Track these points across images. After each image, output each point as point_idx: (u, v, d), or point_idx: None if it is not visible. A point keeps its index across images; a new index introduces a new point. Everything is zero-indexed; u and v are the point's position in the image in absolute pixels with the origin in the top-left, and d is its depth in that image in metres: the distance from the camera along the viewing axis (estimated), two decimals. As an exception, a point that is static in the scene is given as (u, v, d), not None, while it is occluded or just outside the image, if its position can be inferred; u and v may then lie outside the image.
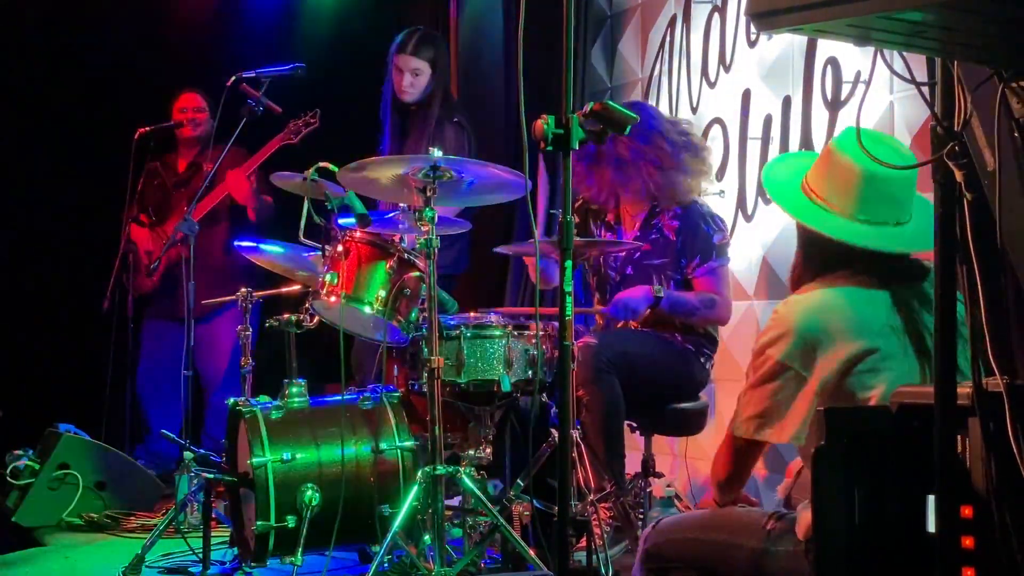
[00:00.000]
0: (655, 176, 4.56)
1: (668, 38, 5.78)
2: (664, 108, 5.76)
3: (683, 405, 4.57)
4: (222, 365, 6.39)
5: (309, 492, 3.86)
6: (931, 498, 2.14)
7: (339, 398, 4.04)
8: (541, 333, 4.06)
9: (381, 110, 5.63)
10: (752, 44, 5.19)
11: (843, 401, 2.61)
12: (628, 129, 2.91)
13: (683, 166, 4.61)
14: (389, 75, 5.54)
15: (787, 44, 4.96)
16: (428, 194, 3.79)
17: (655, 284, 4.52)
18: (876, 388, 2.58)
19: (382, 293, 4.06)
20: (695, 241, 4.56)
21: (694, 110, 5.58)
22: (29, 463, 5.28)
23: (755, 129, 5.13)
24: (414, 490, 3.68)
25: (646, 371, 4.37)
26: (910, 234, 2.76)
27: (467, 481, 3.75)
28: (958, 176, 2.06)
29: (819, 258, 2.81)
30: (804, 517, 2.63)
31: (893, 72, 2.11)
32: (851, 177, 2.73)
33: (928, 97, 2.13)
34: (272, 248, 4.73)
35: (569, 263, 2.78)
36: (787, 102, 4.95)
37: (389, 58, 5.52)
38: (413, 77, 5.45)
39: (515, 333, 4.08)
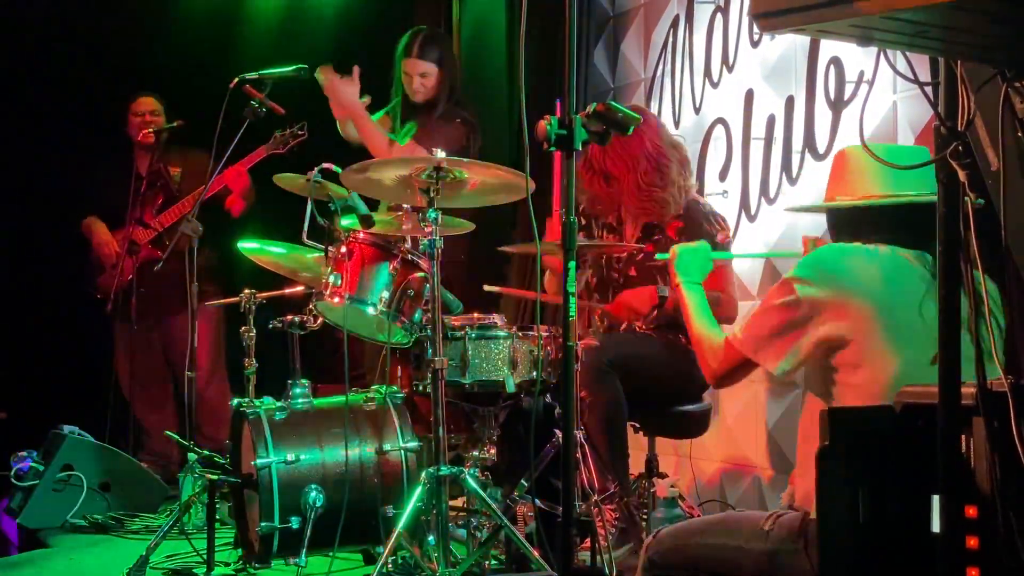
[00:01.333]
0: (649, 193, 4.58)
1: (671, 38, 5.78)
2: (667, 108, 5.77)
3: (686, 407, 4.56)
4: (201, 361, 6.40)
5: (313, 493, 3.87)
6: (935, 498, 2.14)
7: (343, 399, 4.04)
8: (545, 334, 4.05)
9: (392, 112, 5.64)
10: (755, 44, 5.19)
11: (854, 362, 2.65)
12: (631, 130, 2.91)
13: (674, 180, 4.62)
14: (397, 75, 5.56)
15: (790, 44, 4.96)
16: (432, 195, 3.79)
17: (659, 284, 4.51)
18: (889, 356, 2.61)
19: (385, 294, 4.06)
20: (698, 239, 4.54)
21: (697, 110, 5.58)
22: (33, 465, 5.29)
23: (758, 129, 5.13)
24: (418, 491, 3.68)
25: (648, 373, 4.36)
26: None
27: (471, 482, 3.75)
28: (962, 176, 2.06)
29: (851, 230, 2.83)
30: (801, 484, 2.65)
31: (896, 72, 2.12)
32: (867, 164, 2.78)
33: (931, 97, 2.12)
34: (275, 249, 4.73)
35: (573, 264, 2.78)
36: (790, 102, 4.95)
37: (396, 61, 5.54)
38: (422, 79, 5.49)
39: (519, 334, 4.08)
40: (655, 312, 4.44)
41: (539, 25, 4.83)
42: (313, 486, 3.89)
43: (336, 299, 4.06)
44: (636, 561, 3.07)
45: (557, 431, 3.94)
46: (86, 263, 6.46)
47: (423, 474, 3.71)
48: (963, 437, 2.12)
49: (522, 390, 4.06)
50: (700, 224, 4.56)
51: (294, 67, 5.37)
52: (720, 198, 5.25)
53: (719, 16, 5.42)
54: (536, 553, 3.63)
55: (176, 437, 5.16)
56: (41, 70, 6.89)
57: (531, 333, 4.10)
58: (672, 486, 4.73)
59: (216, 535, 4.08)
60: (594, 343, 4.27)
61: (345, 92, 5.38)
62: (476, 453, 4.13)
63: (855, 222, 2.83)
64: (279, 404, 4.07)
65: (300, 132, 5.77)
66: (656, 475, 4.47)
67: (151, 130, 6.24)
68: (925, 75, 2.15)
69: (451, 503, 3.85)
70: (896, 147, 2.89)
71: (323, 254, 4.18)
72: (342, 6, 7.18)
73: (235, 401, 4.16)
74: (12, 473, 5.28)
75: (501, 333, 4.07)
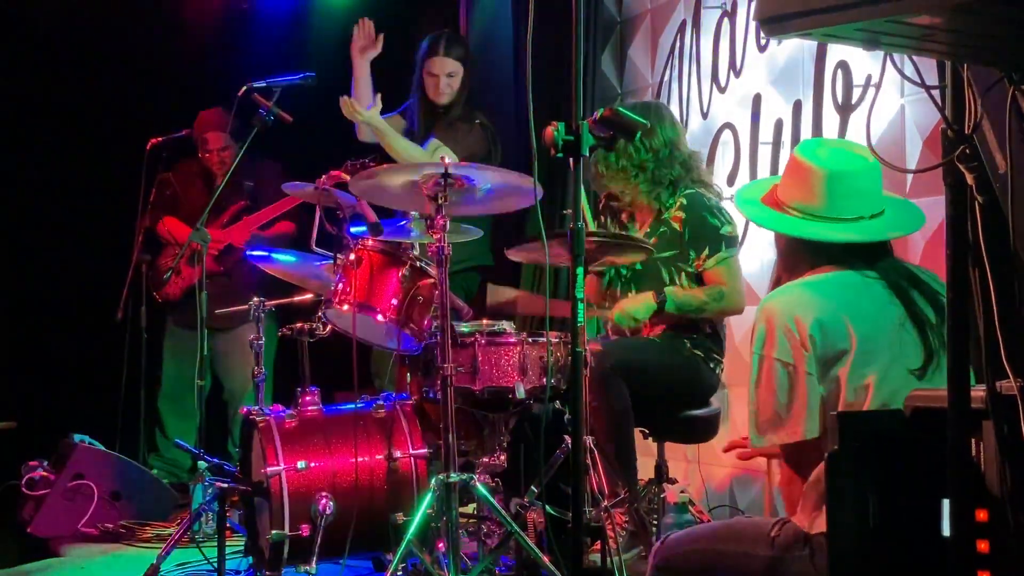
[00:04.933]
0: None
1: (678, 43, 5.79)
2: (675, 113, 5.75)
3: (694, 412, 4.53)
4: (248, 375, 6.39)
5: (323, 500, 3.87)
6: (945, 501, 2.13)
7: (353, 406, 4.04)
8: (555, 340, 4.05)
9: (408, 119, 5.61)
10: (762, 49, 5.19)
11: (837, 389, 2.64)
12: (638, 135, 2.91)
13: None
14: (418, 82, 5.51)
15: (797, 48, 4.96)
16: (440, 202, 3.79)
17: (665, 277, 4.49)
18: (869, 376, 2.61)
19: (395, 301, 4.06)
20: (703, 233, 4.51)
21: (705, 115, 5.58)
22: (44, 474, 5.30)
23: (766, 134, 5.13)
24: (428, 498, 3.68)
25: (652, 379, 4.34)
26: (886, 222, 2.83)
27: (481, 489, 3.75)
28: (969, 179, 2.05)
29: (802, 260, 2.84)
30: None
31: (903, 76, 2.12)
32: (817, 179, 2.79)
33: (938, 100, 2.12)
34: (284, 257, 4.74)
35: (581, 270, 2.78)
36: (798, 106, 4.95)
37: (418, 64, 5.49)
38: (448, 79, 5.43)
39: (529, 340, 4.08)
40: (657, 315, 4.43)
41: (546, 31, 4.82)
42: (323, 493, 3.89)
43: (345, 306, 4.07)
44: (646, 566, 3.07)
45: (567, 437, 3.94)
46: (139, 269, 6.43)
47: (433, 481, 3.72)
48: (973, 441, 2.11)
49: (532, 396, 4.05)
50: (703, 217, 4.53)
51: (301, 75, 5.38)
52: (729, 202, 5.24)
53: (726, 21, 5.43)
54: (547, 559, 3.63)
55: (185, 445, 5.17)
56: (48, 74, 6.90)
57: (540, 339, 4.10)
58: (682, 491, 4.72)
59: (227, 543, 4.08)
60: (598, 348, 4.26)
61: (370, 117, 5.25)
62: (486, 460, 4.13)
63: (804, 251, 2.85)
64: (289, 411, 4.07)
65: (370, 164, 5.77)
66: (666, 480, 4.46)
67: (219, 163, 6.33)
68: (932, 78, 2.15)
69: (461, 510, 3.85)
70: (848, 155, 2.89)
71: (332, 262, 4.20)
72: (348, 13, 7.18)
73: (245, 409, 4.17)
74: (23, 482, 5.29)
75: (511, 339, 4.07)
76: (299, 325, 4.33)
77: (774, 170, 5.06)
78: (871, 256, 2.80)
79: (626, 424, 4.27)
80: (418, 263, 4.10)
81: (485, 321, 4.20)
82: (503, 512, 3.73)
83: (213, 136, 6.38)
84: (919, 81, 2.13)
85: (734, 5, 5.36)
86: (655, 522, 4.27)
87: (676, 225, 4.54)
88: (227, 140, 6.36)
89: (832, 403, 2.64)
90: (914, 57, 2.08)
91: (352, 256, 4.12)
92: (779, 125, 5.05)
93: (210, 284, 6.02)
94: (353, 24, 5.64)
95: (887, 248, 2.86)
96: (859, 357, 2.64)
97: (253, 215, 6.17)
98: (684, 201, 4.56)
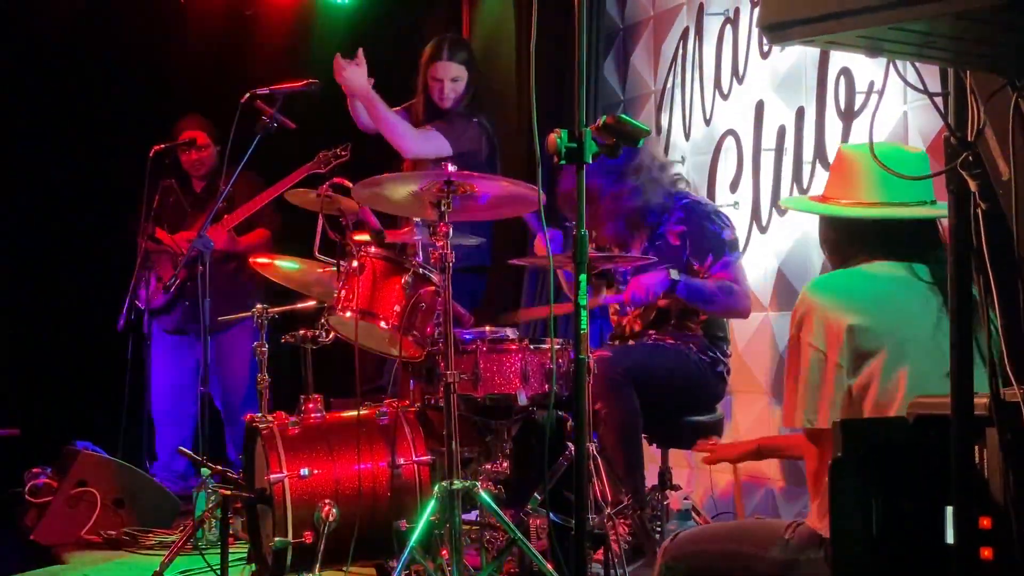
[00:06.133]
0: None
1: (681, 50, 5.79)
2: (677, 120, 5.77)
3: (699, 418, 4.55)
4: (242, 379, 6.39)
5: (326, 508, 3.87)
6: (949, 509, 2.13)
7: (355, 413, 4.04)
8: (557, 347, 4.04)
9: (411, 119, 5.59)
10: (765, 55, 5.19)
11: (868, 385, 2.63)
12: (641, 142, 2.92)
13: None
14: (422, 86, 5.48)
15: (800, 55, 4.96)
16: (443, 208, 3.79)
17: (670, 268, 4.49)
18: (901, 377, 2.60)
19: (397, 308, 4.06)
20: (703, 240, 4.52)
21: (707, 122, 5.58)
22: (47, 481, 5.30)
23: (769, 140, 5.13)
24: (431, 505, 3.68)
25: (662, 384, 4.35)
26: (939, 208, 2.79)
27: (484, 495, 3.74)
28: (972, 186, 2.05)
29: (851, 254, 2.81)
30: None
31: (905, 83, 2.11)
32: (865, 166, 2.77)
33: (941, 107, 2.12)
34: (287, 264, 4.74)
35: (584, 276, 2.78)
36: (800, 113, 4.95)
37: (422, 69, 5.46)
38: (453, 83, 5.39)
39: (531, 347, 4.08)
40: (667, 298, 4.43)
41: (549, 38, 4.83)
42: (326, 501, 3.89)
43: (348, 313, 4.07)
44: (649, 573, 3.06)
45: (570, 444, 3.94)
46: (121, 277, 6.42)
47: (436, 488, 3.71)
48: (976, 448, 2.11)
49: (534, 403, 4.05)
50: (703, 225, 4.54)
51: (305, 82, 5.39)
52: (732, 209, 5.24)
53: (729, 28, 5.43)
54: (550, 567, 3.62)
55: (188, 452, 5.17)
56: (52, 80, 6.91)
57: (543, 346, 4.10)
58: (685, 498, 4.72)
59: (230, 550, 4.08)
60: (607, 354, 4.26)
61: (353, 74, 5.21)
62: (489, 467, 4.13)
63: (846, 237, 2.83)
64: (292, 419, 4.07)
65: (343, 152, 5.75)
66: (669, 487, 4.46)
67: (197, 162, 6.32)
68: (935, 85, 2.14)
69: (464, 517, 3.84)
70: (898, 151, 2.88)
71: (335, 269, 4.20)
72: (353, 19, 7.20)
73: (248, 416, 4.17)
74: (27, 489, 5.29)
75: (513, 346, 4.07)
76: (302, 332, 4.33)
77: (776, 177, 5.06)
78: (923, 245, 2.75)
79: (635, 431, 4.28)
80: (421, 270, 4.10)
81: (488, 328, 4.21)
82: (506, 519, 3.73)
83: (192, 136, 6.40)
84: (922, 88, 2.13)
85: (736, 12, 5.37)
86: (659, 529, 4.26)
87: (673, 239, 4.55)
88: (205, 141, 6.39)
89: (862, 399, 2.63)
90: (916, 64, 2.08)
91: (355, 263, 4.12)
92: (782, 132, 5.05)
93: (189, 289, 6.04)
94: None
95: (938, 238, 2.80)
96: (892, 356, 2.62)
97: (229, 215, 6.16)
98: (681, 213, 4.57)
